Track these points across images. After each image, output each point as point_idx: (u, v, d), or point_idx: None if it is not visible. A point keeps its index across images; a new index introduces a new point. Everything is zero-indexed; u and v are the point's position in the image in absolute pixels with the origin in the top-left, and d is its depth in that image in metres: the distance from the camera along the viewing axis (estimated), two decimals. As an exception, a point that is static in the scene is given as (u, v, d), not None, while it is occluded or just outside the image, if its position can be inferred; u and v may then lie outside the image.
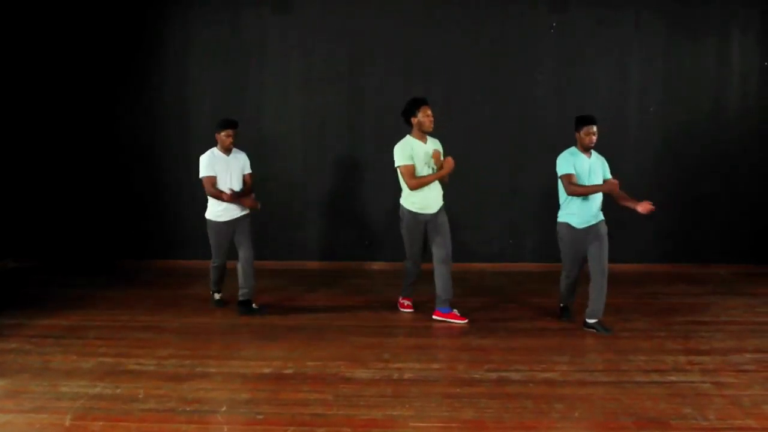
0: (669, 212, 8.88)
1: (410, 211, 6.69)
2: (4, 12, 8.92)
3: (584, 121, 6.37)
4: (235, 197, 6.78)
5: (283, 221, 9.08)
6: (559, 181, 6.45)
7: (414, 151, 6.60)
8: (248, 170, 7.04)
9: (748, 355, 5.68)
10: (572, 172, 6.33)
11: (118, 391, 4.95)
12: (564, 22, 8.77)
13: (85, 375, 5.25)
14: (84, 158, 9.17)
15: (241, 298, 7.03)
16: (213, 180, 6.79)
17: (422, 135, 6.67)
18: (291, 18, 8.91)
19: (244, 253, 6.97)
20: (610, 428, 4.34)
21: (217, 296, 7.37)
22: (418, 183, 6.55)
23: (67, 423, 4.42)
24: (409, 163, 6.56)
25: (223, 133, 6.80)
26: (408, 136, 6.72)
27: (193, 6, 8.98)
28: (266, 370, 5.36)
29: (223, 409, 4.64)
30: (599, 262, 6.34)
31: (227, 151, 6.89)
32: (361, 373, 5.31)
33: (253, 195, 7.04)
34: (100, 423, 4.42)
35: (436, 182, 6.68)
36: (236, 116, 8.77)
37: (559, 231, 6.54)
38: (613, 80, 8.86)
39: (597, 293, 6.36)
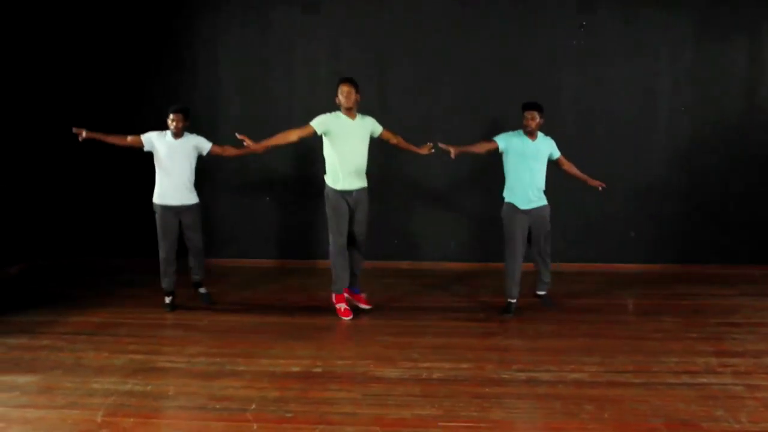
0: (699, 212, 8.79)
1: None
2: (42, 12, 9.00)
3: (524, 106, 6.77)
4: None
5: (306, 221, 9.09)
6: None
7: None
8: (208, 146, 7.15)
9: (781, 358, 5.63)
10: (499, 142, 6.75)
11: (149, 388, 5.00)
12: (592, 21, 8.71)
13: (117, 372, 5.31)
14: (113, 157, 9.20)
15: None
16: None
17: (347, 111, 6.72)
18: (320, 18, 8.92)
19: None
20: (640, 430, 4.32)
21: (167, 299, 7.18)
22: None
23: (99, 419, 4.47)
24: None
25: (170, 117, 6.93)
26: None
27: (222, 7, 9.01)
28: (295, 369, 5.38)
29: (253, 407, 4.67)
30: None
31: (176, 135, 6.99)
32: (389, 372, 5.32)
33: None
34: (131, 420, 4.47)
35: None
36: (265, 116, 8.87)
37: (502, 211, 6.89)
38: (642, 80, 8.78)
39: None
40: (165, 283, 7.08)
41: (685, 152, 8.79)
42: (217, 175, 9.05)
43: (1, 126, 8.59)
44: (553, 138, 6.97)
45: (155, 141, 6.99)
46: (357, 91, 6.70)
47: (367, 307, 7.10)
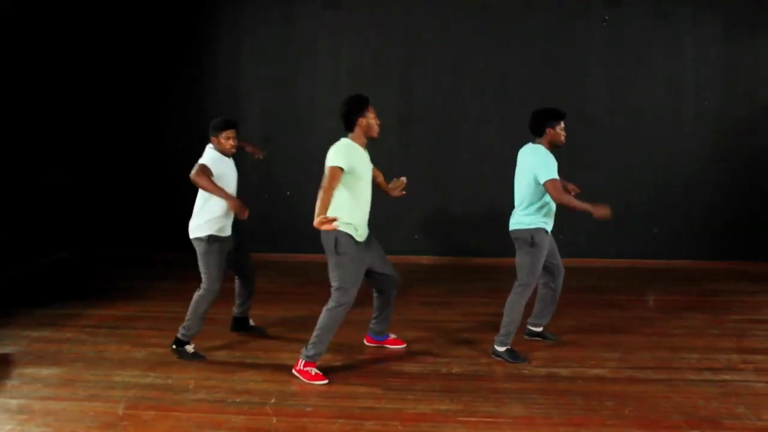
0: (725, 208, 8.72)
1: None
2: (68, 10, 9.10)
3: (559, 115, 5.60)
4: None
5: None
6: (534, 184, 5.40)
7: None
8: None
9: (805, 355, 5.57)
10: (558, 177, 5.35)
11: (170, 381, 5.04)
12: (618, 16, 8.64)
13: (138, 365, 5.35)
14: (137, 153, 9.29)
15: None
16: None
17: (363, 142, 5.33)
18: (342, 13, 8.92)
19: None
20: (661, 427, 4.29)
21: (190, 348, 5.64)
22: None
23: (120, 412, 4.51)
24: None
25: (222, 135, 5.75)
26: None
27: (245, 1, 9.04)
28: (315, 363, 5.39)
29: (273, 400, 4.69)
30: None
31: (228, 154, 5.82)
32: (410, 367, 5.32)
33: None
34: (152, 412, 4.50)
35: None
36: (287, 112, 8.89)
37: (535, 237, 5.44)
38: (668, 75, 8.70)
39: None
40: (196, 328, 5.81)
41: (711, 148, 8.72)
42: (249, 170, 9.11)
43: (38, 120, 8.78)
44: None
45: (219, 167, 5.67)
46: None
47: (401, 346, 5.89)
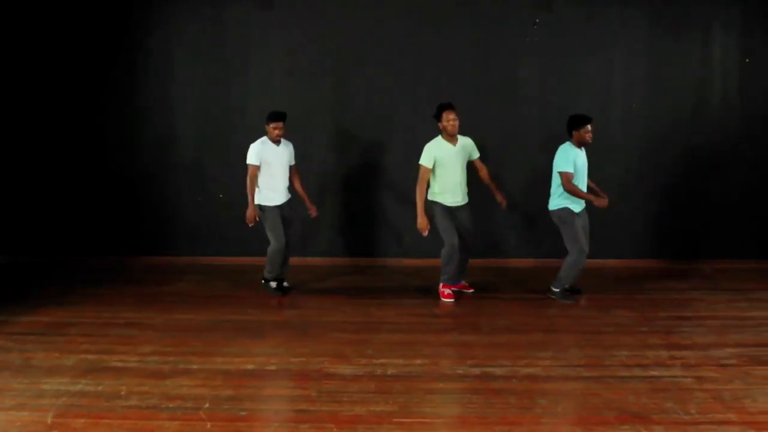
0: (653, 209, 8.92)
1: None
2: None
3: (584, 120, 7.06)
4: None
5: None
6: (556, 174, 7.08)
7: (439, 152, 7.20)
8: (293, 161, 7.63)
9: (729, 350, 5.71)
10: (572, 170, 6.97)
11: (100, 388, 4.93)
12: (547, 21, 8.77)
13: (67, 372, 5.23)
14: (68, 155, 9.10)
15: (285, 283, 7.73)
16: (255, 170, 7.28)
17: (450, 137, 7.21)
18: (274, 13, 8.86)
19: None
20: (592, 423, 4.36)
21: (273, 284, 7.59)
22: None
23: (49, 421, 4.40)
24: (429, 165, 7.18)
25: (271, 125, 7.27)
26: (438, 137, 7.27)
27: (177, 2, 8.93)
28: (249, 367, 5.36)
29: (207, 405, 4.63)
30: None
31: (276, 142, 7.35)
32: (344, 369, 5.31)
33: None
34: (82, 420, 4.41)
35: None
36: (221, 114, 8.85)
37: (561, 215, 7.10)
38: (597, 77, 8.87)
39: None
40: (276, 272, 7.51)
41: (639, 149, 8.91)
42: (182, 172, 9.04)
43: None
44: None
45: (264, 154, 7.30)
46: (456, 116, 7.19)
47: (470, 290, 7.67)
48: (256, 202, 7.29)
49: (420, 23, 8.81)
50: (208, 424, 4.35)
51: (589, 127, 7.00)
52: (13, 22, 8.95)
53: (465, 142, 7.32)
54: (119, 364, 5.41)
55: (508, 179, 8.80)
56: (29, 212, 9.23)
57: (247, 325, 6.51)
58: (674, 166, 8.90)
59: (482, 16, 8.78)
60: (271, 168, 7.31)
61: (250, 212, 7.20)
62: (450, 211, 7.26)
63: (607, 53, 8.83)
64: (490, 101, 8.86)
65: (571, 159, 6.96)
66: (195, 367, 5.36)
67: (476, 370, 5.28)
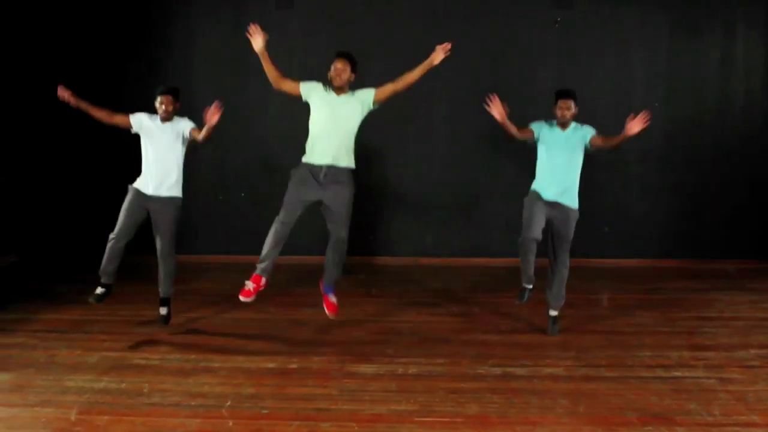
0: (674, 208, 8.88)
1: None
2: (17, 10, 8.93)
3: (556, 95, 6.34)
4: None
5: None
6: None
7: None
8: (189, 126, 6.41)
9: (753, 351, 5.67)
10: (533, 129, 6.39)
11: (123, 385, 4.96)
12: (568, 19, 8.74)
13: (90, 369, 5.26)
14: (90, 154, 9.16)
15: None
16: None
17: None
18: (294, 13, 8.87)
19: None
20: (614, 423, 4.34)
21: (98, 290, 6.19)
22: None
23: (73, 417, 4.43)
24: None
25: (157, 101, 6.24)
26: None
27: (196, 2, 8.96)
28: (270, 365, 5.37)
29: (228, 403, 4.65)
30: None
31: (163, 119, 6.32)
32: (365, 368, 5.31)
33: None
34: (106, 417, 4.43)
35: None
36: (240, 114, 8.84)
37: (527, 198, 6.39)
38: (616, 76, 8.83)
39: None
40: (102, 270, 6.29)
41: (658, 149, 8.86)
42: (193, 169, 9.03)
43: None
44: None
45: (145, 122, 6.35)
46: (353, 70, 6.33)
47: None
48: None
49: (440, 21, 8.80)
50: (230, 422, 4.37)
51: (560, 102, 6.18)
52: (33, 24, 9.00)
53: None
54: (141, 362, 5.44)
55: (526, 178, 8.74)
56: (46, 211, 9.28)
57: (267, 323, 6.52)
58: (693, 166, 8.84)
59: (503, 15, 8.76)
60: (148, 147, 6.31)
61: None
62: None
63: (628, 51, 8.79)
64: (509, 100, 8.81)
65: (538, 124, 6.33)
66: (216, 365, 5.38)
67: (497, 370, 5.27)
